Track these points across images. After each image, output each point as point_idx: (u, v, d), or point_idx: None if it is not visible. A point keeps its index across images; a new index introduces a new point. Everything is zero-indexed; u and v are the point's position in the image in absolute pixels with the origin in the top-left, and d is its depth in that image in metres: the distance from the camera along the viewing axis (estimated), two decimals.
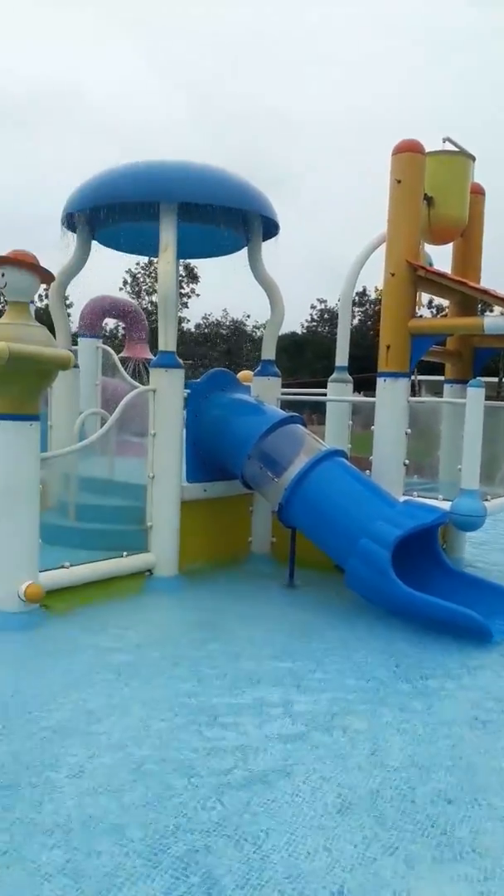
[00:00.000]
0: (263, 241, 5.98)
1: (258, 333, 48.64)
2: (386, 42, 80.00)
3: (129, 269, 44.08)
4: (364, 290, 44.16)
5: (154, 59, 76.11)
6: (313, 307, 49.73)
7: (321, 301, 49.64)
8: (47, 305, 6.31)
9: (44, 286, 4.79)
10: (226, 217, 5.40)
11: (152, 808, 2.37)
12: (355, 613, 4.63)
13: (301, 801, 2.45)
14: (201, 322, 47.45)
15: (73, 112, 66.64)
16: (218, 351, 45.21)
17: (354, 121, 75.10)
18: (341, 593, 4.89)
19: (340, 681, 3.54)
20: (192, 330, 45.31)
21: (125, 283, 44.22)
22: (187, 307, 43.56)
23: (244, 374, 7.42)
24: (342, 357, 6.26)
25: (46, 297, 6.46)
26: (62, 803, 2.38)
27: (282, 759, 2.73)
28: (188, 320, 44.77)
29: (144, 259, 41.74)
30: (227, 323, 48.72)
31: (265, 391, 6.06)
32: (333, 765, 2.70)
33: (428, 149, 5.21)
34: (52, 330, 4.92)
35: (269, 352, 6.22)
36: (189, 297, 43.91)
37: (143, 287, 44.78)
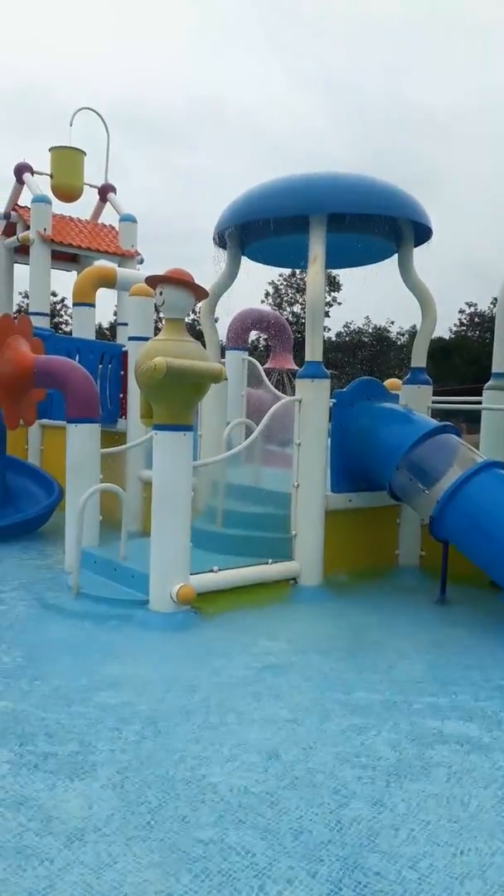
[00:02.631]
0: (415, 246, 5.83)
1: (402, 340, 47.56)
2: None
3: (272, 281, 44.95)
4: None
5: (289, 65, 77.11)
6: (461, 311, 47.77)
7: (470, 305, 47.58)
8: (194, 320, 6.59)
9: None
10: (376, 225, 5.33)
11: (305, 813, 2.38)
12: None
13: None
14: (342, 331, 47.23)
15: (218, 126, 69.49)
16: (359, 359, 44.74)
17: (499, 114, 71.39)
18: (497, 611, 4.62)
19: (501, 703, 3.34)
20: (333, 339, 45.21)
21: (267, 294, 45.14)
22: (328, 316, 43.57)
23: (392, 383, 7.27)
24: (500, 363, 5.93)
25: (194, 311, 6.74)
26: (215, 805, 2.45)
27: (442, 779, 2.62)
28: (329, 329, 44.75)
29: (287, 270, 42.53)
30: (370, 330, 48.07)
31: (415, 399, 5.90)
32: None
33: None
34: (202, 343, 5.12)
35: (419, 359, 6.04)
36: (331, 305, 43.89)
37: (286, 298, 45.45)
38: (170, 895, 1.98)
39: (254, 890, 2.01)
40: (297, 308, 44.96)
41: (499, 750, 2.89)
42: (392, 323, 48.13)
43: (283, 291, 45.75)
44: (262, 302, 43.48)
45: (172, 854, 2.16)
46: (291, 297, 45.59)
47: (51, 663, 3.70)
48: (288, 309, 44.32)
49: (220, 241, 6.06)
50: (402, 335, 48.07)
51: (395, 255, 5.98)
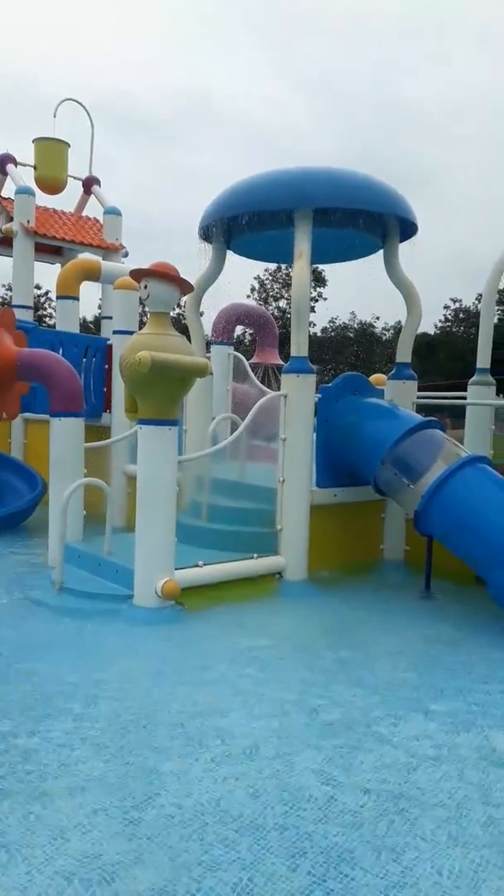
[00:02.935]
0: (400, 242, 5.84)
1: (387, 336, 47.74)
2: None
3: (258, 276, 44.91)
4: None
5: (275, 58, 76.95)
6: (446, 307, 48.07)
7: (455, 301, 47.90)
8: (179, 314, 6.56)
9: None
10: (362, 220, 5.33)
11: (288, 806, 2.38)
12: (499, 627, 4.39)
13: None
14: (327, 326, 47.33)
15: (203, 120, 69.14)
16: (344, 355, 44.86)
17: (487, 110, 71.71)
18: (481, 605, 4.67)
19: (484, 697, 3.37)
20: (319, 334, 45.29)
21: (253, 289, 45.11)
22: (314, 311, 43.64)
23: (377, 378, 7.28)
24: (484, 359, 5.97)
25: (180, 305, 6.71)
26: (200, 797, 2.45)
27: (430, 786, 2.64)
28: (314, 324, 44.82)
29: (272, 265, 42.48)
30: (355, 326, 48.20)
31: (400, 395, 5.92)
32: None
33: None
34: (187, 338, 5.10)
35: (404, 354, 6.06)
36: (316, 300, 43.97)
37: (271, 293, 45.44)
38: (162, 889, 1.97)
39: (238, 873, 2.01)
40: (282, 303, 45.00)
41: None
42: (377, 318, 48.31)
43: (269, 286, 45.73)
44: (248, 297, 43.47)
45: (158, 850, 2.15)
46: (277, 292, 45.60)
47: (35, 658, 3.67)
48: (273, 304, 44.30)
49: (206, 235, 6.03)
50: (388, 331, 48.29)
51: (380, 251, 5.98)
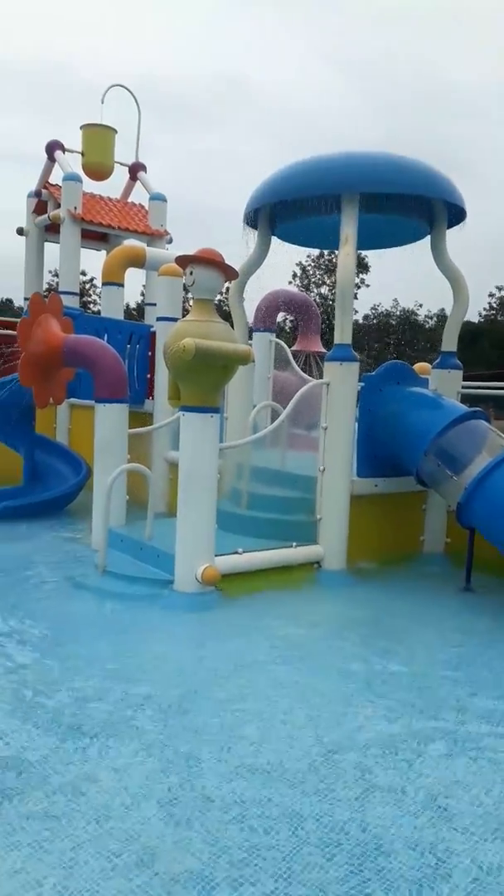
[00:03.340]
0: (448, 228, 5.71)
1: (430, 324, 46.87)
2: None
3: (300, 262, 44.52)
4: None
5: (313, 40, 75.58)
6: (491, 295, 46.93)
7: (500, 288, 46.71)
8: (220, 300, 6.54)
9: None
10: (409, 206, 5.23)
11: (326, 796, 2.39)
12: None
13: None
14: (369, 313, 46.72)
15: (240, 105, 68.51)
16: (385, 343, 44.26)
17: None
18: None
19: None
20: (360, 321, 44.75)
21: (294, 276, 44.76)
22: (356, 298, 43.14)
23: (422, 367, 7.16)
24: None
25: (222, 292, 6.71)
26: (239, 784, 2.47)
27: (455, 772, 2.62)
28: (356, 311, 44.32)
29: (315, 251, 42.09)
30: (398, 313, 47.46)
31: (445, 384, 5.82)
32: None
33: None
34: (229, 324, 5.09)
35: (450, 343, 5.94)
36: (359, 287, 43.41)
37: (313, 280, 45.03)
38: (195, 872, 2.01)
39: (281, 872, 2.03)
40: (324, 290, 44.57)
41: None
42: (420, 306, 47.44)
43: (311, 273, 45.31)
44: (290, 283, 43.14)
45: (196, 836, 2.19)
46: (319, 279, 45.16)
47: (77, 640, 3.76)
48: (315, 290, 43.91)
49: (251, 220, 6.00)
50: (431, 318, 47.41)
51: (427, 237, 5.86)
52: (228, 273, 4.50)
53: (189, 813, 2.29)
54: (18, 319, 6.78)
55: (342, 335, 5.23)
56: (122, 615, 4.22)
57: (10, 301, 45.21)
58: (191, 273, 4.40)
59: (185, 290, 5.22)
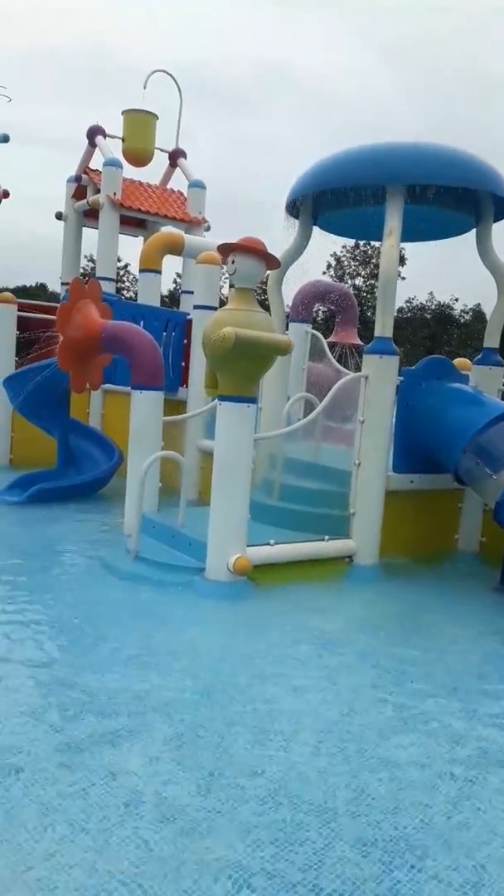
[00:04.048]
0: (495, 221, 5.58)
1: (465, 318, 46.13)
2: None
3: (334, 253, 44.13)
4: None
5: (356, 27, 74.40)
6: None
7: None
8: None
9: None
10: (455, 198, 5.11)
11: (358, 793, 2.38)
12: None
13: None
14: (404, 306, 46.12)
15: (285, 94, 67.88)
16: (419, 336, 43.71)
17: None
18: None
19: None
20: (395, 314, 44.29)
21: (329, 266, 44.41)
22: None
23: (462, 362, 7.04)
24: None
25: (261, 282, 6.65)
26: (272, 775, 2.47)
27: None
28: None
29: (350, 242, 41.69)
30: (433, 307, 46.80)
31: (486, 381, 5.71)
32: None
33: None
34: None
35: (492, 339, 5.82)
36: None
37: (348, 271, 44.63)
38: (230, 861, 2.01)
39: (310, 857, 2.02)
40: (358, 281, 44.14)
41: None
42: (456, 300, 46.69)
43: (346, 263, 44.90)
44: (324, 274, 42.81)
45: (229, 824, 2.19)
46: (354, 270, 44.74)
47: (109, 625, 3.78)
48: (349, 282, 43.52)
49: (293, 209, 5.94)
50: (466, 313, 46.65)
51: (472, 231, 5.73)
52: (270, 262, 4.46)
53: (218, 803, 2.29)
54: (55, 304, 6.82)
55: (383, 328, 5.16)
56: (154, 601, 4.24)
57: (44, 285, 45.65)
58: (232, 262, 4.38)
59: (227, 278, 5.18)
